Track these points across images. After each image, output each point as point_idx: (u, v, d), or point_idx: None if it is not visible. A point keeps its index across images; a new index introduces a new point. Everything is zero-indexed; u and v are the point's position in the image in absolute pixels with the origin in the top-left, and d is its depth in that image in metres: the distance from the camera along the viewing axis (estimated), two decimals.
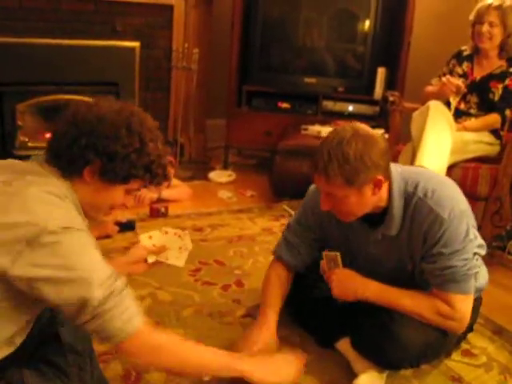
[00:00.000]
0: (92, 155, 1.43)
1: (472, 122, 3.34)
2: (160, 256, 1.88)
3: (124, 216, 3.50)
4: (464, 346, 2.29)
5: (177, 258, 1.90)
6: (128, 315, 1.38)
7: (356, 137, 1.79)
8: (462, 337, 2.20)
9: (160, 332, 1.51)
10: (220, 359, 1.64)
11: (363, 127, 1.86)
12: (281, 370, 1.77)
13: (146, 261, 1.87)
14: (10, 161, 1.50)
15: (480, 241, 2.01)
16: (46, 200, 1.35)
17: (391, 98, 3.70)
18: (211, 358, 1.62)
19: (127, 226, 3.39)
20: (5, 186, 1.37)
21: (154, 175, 1.53)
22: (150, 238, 1.88)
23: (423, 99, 3.42)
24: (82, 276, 1.32)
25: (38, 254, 1.28)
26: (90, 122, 1.44)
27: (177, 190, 4.04)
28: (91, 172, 1.46)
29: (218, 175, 4.62)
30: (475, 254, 1.96)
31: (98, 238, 3.22)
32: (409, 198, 1.92)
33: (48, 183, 1.41)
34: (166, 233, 1.91)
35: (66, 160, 1.45)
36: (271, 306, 2.17)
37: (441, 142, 3.04)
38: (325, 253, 2.11)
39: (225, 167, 4.83)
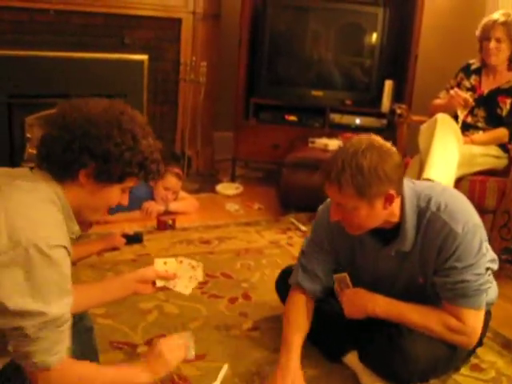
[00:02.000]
0: (87, 158, 1.41)
1: (480, 135, 3.34)
2: (169, 283, 1.88)
3: (131, 228, 3.51)
4: (473, 360, 2.27)
5: (185, 287, 1.91)
6: (57, 350, 1.35)
7: (371, 149, 1.79)
8: (472, 351, 2.19)
9: (78, 364, 1.46)
10: (123, 377, 1.60)
11: (379, 140, 1.86)
12: (167, 357, 1.69)
13: (154, 283, 1.87)
14: (3, 169, 1.49)
15: (492, 255, 2.00)
16: (32, 211, 1.33)
17: (398, 111, 3.71)
18: (117, 377, 1.58)
19: (134, 239, 3.38)
20: None
21: (149, 171, 1.51)
22: (164, 263, 1.88)
23: (431, 112, 3.43)
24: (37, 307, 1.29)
25: (10, 265, 1.26)
26: (81, 124, 1.41)
27: (184, 202, 4.04)
28: (86, 175, 1.43)
29: (226, 188, 4.62)
30: (488, 268, 1.95)
31: (105, 250, 3.21)
32: (422, 212, 1.91)
33: (37, 189, 1.39)
34: (181, 262, 1.91)
35: (60, 165, 1.43)
36: (293, 346, 2.03)
37: (448, 154, 3.03)
38: (335, 276, 2.11)
39: (232, 180, 4.83)
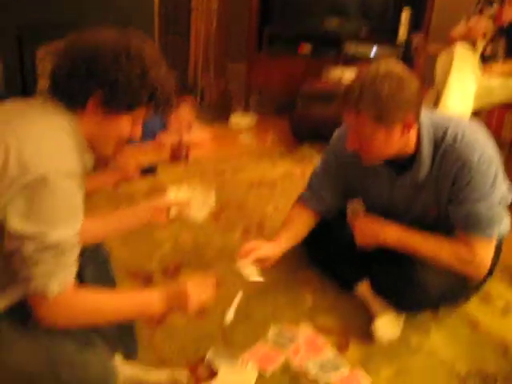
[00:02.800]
0: (93, 85, 1.39)
1: (499, 66, 3.26)
2: (182, 210, 1.89)
3: (146, 160, 3.53)
4: (483, 291, 2.30)
5: (198, 214, 1.92)
6: (59, 277, 1.33)
7: (391, 74, 1.76)
8: (482, 282, 2.21)
9: (81, 291, 1.42)
10: (134, 305, 1.57)
11: (399, 66, 1.82)
12: (189, 291, 1.63)
13: (168, 212, 1.88)
14: (14, 100, 1.48)
15: (507, 187, 1.99)
16: (43, 139, 1.33)
17: (416, 41, 3.63)
18: (126, 305, 1.55)
19: (149, 170, 3.41)
20: (4, 121, 1.36)
21: (159, 102, 1.48)
22: (178, 192, 1.89)
23: (449, 42, 3.34)
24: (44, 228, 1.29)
25: (19, 191, 1.26)
26: (88, 50, 1.39)
27: (197, 133, 4.04)
28: (94, 103, 1.41)
29: (239, 119, 4.60)
30: (501, 199, 1.95)
31: (120, 182, 3.25)
32: (438, 143, 1.90)
33: (48, 118, 1.39)
34: (194, 189, 1.92)
35: (68, 92, 1.41)
36: (285, 232, 2.15)
37: (466, 86, 2.99)
38: (348, 204, 2.13)
39: (245, 111, 4.80)
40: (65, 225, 1.32)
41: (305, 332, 2.03)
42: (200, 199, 1.92)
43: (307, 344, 1.97)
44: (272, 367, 1.84)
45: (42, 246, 1.28)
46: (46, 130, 1.36)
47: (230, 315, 2.07)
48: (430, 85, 3.29)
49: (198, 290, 1.63)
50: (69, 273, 1.36)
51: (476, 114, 3.09)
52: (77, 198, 1.36)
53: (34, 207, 1.27)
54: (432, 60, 3.33)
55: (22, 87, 3.93)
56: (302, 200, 2.28)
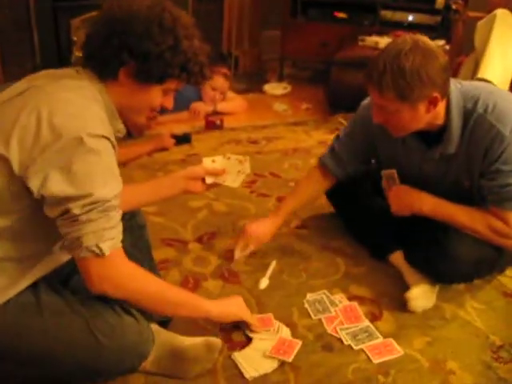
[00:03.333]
0: (125, 56, 1.39)
1: None
2: (218, 178, 1.90)
3: (180, 129, 3.54)
4: None
5: (233, 181, 1.93)
6: (108, 235, 1.35)
7: (415, 50, 1.72)
8: None
9: (130, 263, 1.45)
10: (188, 296, 1.67)
11: (424, 40, 1.77)
12: (233, 308, 1.78)
13: (203, 181, 1.89)
14: (48, 70, 1.50)
15: None
16: (74, 105, 1.34)
17: (454, 7, 3.55)
18: (181, 293, 1.64)
19: (183, 139, 3.43)
20: (37, 89, 1.37)
21: (191, 74, 1.47)
22: (212, 161, 1.90)
23: (489, 7, 3.25)
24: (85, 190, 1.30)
25: (54, 156, 1.28)
26: (121, 20, 1.40)
27: (232, 102, 4.03)
28: (126, 73, 1.42)
29: (273, 87, 4.58)
30: None
31: (155, 151, 3.28)
32: (468, 114, 1.86)
33: (80, 87, 1.40)
34: (229, 158, 1.93)
35: (100, 62, 1.42)
36: (280, 210, 2.25)
37: (506, 54, 2.91)
38: (383, 171, 2.10)
39: (280, 79, 4.77)
40: (106, 184, 1.33)
41: (340, 300, 2.04)
42: (235, 167, 1.93)
43: (342, 312, 1.98)
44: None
45: (87, 206, 1.30)
46: (77, 98, 1.37)
47: (264, 282, 2.11)
48: (469, 53, 3.22)
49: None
50: (116, 233, 1.38)
51: None
52: (113, 159, 1.38)
53: (72, 169, 1.29)
54: (471, 27, 3.25)
55: (57, 58, 3.97)
56: (321, 162, 2.28)
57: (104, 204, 1.32)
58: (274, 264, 2.21)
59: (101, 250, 1.33)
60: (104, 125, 1.38)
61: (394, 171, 2.07)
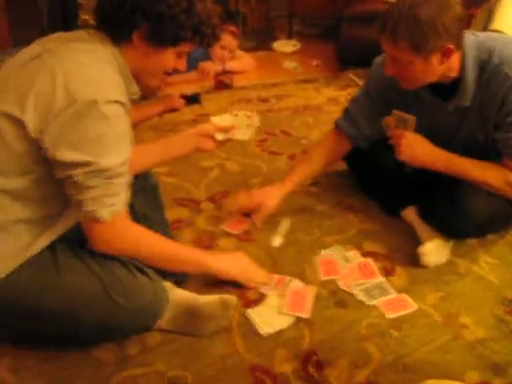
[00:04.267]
0: (139, 18, 1.39)
1: None
2: (228, 134, 1.89)
3: (190, 89, 3.52)
4: None
5: (243, 134, 1.93)
6: (109, 202, 1.38)
7: (430, 0, 1.69)
8: None
9: (134, 225, 1.51)
10: (191, 252, 1.71)
11: None
12: (242, 264, 1.85)
13: (214, 138, 1.89)
14: (60, 33, 1.49)
15: None
16: (88, 69, 1.34)
17: None
18: (183, 250, 1.69)
19: (193, 99, 3.42)
20: (51, 53, 1.37)
21: (204, 36, 1.48)
22: (221, 120, 1.90)
23: None
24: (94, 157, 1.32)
25: (67, 121, 1.29)
26: None
27: (241, 61, 4.00)
28: (139, 36, 1.42)
29: (282, 45, 4.53)
30: None
31: (165, 112, 3.27)
32: (483, 65, 1.82)
33: (94, 49, 1.40)
34: (236, 115, 1.92)
35: (113, 25, 1.42)
36: (295, 173, 2.22)
37: None
38: (395, 111, 1.98)
39: (289, 37, 4.72)
40: (113, 152, 1.35)
41: (354, 257, 2.05)
42: (243, 122, 1.93)
43: (357, 268, 1.98)
44: None
45: (91, 172, 1.32)
46: (91, 61, 1.37)
47: (278, 240, 2.12)
48: (482, 3, 3.15)
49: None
50: (119, 200, 1.40)
51: None
52: (125, 125, 1.39)
53: (83, 135, 1.30)
54: None
55: (63, 19, 3.94)
56: (337, 126, 2.25)
57: (108, 172, 1.35)
58: (287, 222, 2.22)
59: (100, 216, 1.37)
60: (118, 88, 1.38)
61: (413, 117, 1.93)
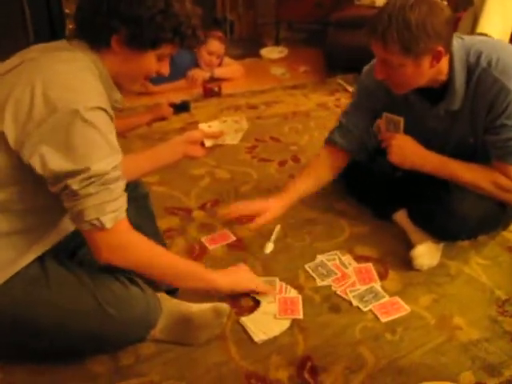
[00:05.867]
0: (116, 22, 1.38)
1: None
2: (217, 140, 1.89)
3: (178, 98, 3.52)
4: None
5: (232, 139, 1.92)
6: (110, 208, 1.36)
7: (420, 2, 1.69)
8: None
9: (136, 233, 1.47)
10: (193, 266, 1.68)
11: None
12: (242, 278, 1.83)
13: (203, 144, 1.88)
14: (39, 44, 1.47)
15: None
16: (68, 77, 1.32)
17: None
18: (185, 263, 1.65)
19: (182, 108, 3.42)
20: (30, 63, 1.36)
21: (184, 37, 1.45)
22: (209, 127, 1.89)
23: None
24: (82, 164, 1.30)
25: (50, 131, 1.27)
26: None
27: (229, 68, 4.01)
28: (118, 40, 1.40)
29: (270, 51, 4.54)
30: None
31: (154, 121, 3.27)
32: (471, 69, 1.83)
33: (74, 58, 1.38)
34: (225, 121, 1.92)
35: (91, 31, 1.41)
36: (287, 190, 2.11)
37: (505, 7, 2.87)
38: (385, 114, 2.02)
39: (276, 43, 4.73)
40: (103, 158, 1.33)
41: (348, 262, 2.05)
42: (232, 127, 1.92)
43: (356, 273, 1.99)
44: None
45: (85, 181, 1.30)
46: (71, 70, 1.35)
47: (269, 247, 2.12)
48: (468, 7, 3.18)
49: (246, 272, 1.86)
50: (119, 205, 1.38)
51: None
52: (111, 129, 1.37)
53: (69, 143, 1.28)
54: None
55: (50, 32, 3.92)
56: (330, 140, 2.21)
57: (103, 177, 1.32)
58: (278, 228, 2.22)
59: (102, 223, 1.34)
60: (100, 96, 1.37)
61: (401, 119, 1.99)
